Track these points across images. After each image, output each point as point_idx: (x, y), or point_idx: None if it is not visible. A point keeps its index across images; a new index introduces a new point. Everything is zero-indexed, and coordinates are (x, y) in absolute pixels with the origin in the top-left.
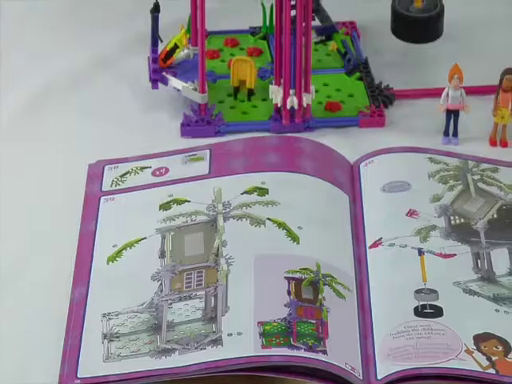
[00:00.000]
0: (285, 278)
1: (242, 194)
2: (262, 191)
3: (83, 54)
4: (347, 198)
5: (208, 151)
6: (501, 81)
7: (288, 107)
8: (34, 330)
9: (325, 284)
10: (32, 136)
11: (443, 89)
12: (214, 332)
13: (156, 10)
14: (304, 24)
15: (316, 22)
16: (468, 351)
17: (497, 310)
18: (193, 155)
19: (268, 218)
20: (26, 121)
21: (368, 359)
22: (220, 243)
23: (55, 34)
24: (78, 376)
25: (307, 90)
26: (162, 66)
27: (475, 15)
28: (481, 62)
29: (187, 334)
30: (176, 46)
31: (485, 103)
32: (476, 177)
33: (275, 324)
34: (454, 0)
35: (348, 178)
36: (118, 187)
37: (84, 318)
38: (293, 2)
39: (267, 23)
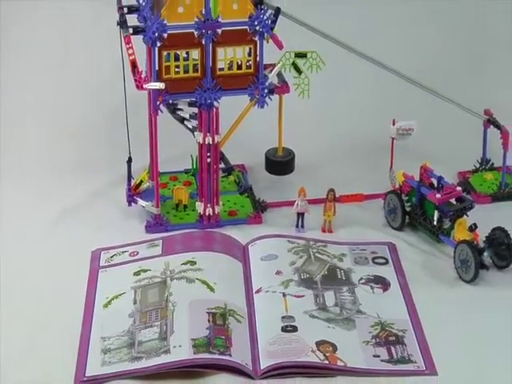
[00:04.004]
0: (206, 312)
1: (181, 264)
2: (193, 263)
3: (85, 189)
4: (241, 265)
5: (161, 241)
6: (327, 195)
7: (206, 214)
8: (58, 347)
9: (229, 315)
10: (56, 240)
11: (295, 201)
12: (166, 346)
13: (129, 161)
14: (215, 166)
15: (221, 165)
16: (312, 351)
17: (328, 327)
18: (152, 243)
19: (196, 278)
20: (54, 229)
21: (255, 358)
22: (168, 294)
23: (63, 174)
24: (86, 375)
25: (217, 204)
26: (133, 193)
27: (311, 158)
28: (315, 185)
29: (150, 347)
30: (141, 181)
31: (318, 208)
32: (314, 250)
33: (201, 339)
34: (300, 150)
35: (241, 253)
36: (108, 263)
37: (89, 340)
38: (208, 154)
39: (194, 166)
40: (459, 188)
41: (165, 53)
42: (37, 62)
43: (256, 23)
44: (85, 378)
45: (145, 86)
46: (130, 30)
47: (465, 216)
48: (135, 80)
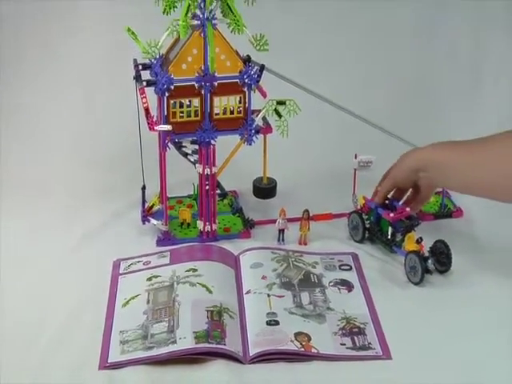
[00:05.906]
0: (205, 310)
1: (185, 271)
2: (195, 270)
3: (107, 211)
4: (234, 272)
5: (169, 252)
6: (302, 215)
7: (205, 230)
8: (87, 339)
9: (224, 312)
10: (83, 252)
11: (277, 219)
12: (173, 337)
13: (143, 188)
14: (212, 192)
15: (218, 191)
16: (291, 341)
17: (304, 321)
18: (162, 254)
19: (197, 282)
20: (82, 243)
21: (245, 347)
22: (175, 295)
23: (88, 199)
24: (108, 361)
25: (214, 222)
26: (146, 214)
27: (290, 185)
28: (293, 206)
29: (160, 339)
30: (153, 205)
31: (295, 225)
32: (293, 259)
33: (201, 332)
34: (281, 178)
35: (234, 262)
36: (126, 271)
37: (111, 333)
38: (207, 182)
39: (196, 192)
40: (408, 209)
41: (172, 101)
42: (66, 101)
43: (245, 77)
44: (107, 364)
45: (156, 127)
46: (144, 83)
47: (413, 231)
48: (148, 123)
